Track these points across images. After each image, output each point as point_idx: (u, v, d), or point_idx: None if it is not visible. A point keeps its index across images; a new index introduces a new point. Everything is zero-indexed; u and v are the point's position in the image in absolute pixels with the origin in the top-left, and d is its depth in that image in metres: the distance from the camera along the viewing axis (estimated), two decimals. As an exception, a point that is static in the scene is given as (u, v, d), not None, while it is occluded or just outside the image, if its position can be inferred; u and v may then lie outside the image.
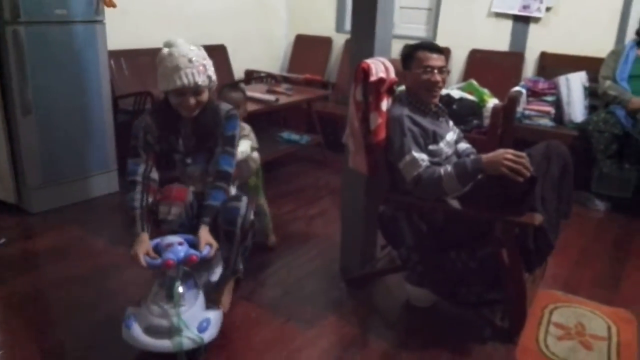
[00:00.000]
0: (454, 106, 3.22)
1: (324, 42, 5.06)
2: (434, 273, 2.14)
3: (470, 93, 3.61)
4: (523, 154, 1.93)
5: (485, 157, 1.93)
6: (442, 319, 2.24)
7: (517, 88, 3.68)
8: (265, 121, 4.40)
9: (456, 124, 2.43)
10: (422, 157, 2.05)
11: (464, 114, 3.25)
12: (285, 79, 4.59)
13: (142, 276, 2.45)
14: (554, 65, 3.99)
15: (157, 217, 2.01)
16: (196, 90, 1.97)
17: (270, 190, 3.60)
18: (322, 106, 4.47)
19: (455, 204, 2.07)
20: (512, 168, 1.85)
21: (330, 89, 4.69)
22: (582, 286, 2.51)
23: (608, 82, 3.45)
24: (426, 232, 2.15)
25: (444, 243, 2.12)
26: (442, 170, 1.99)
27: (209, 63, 2.02)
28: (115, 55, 3.67)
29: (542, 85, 3.81)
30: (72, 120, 3.14)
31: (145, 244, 1.88)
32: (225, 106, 2.12)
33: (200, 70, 1.94)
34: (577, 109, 3.64)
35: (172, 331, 1.77)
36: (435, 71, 2.12)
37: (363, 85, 2.10)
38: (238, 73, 4.76)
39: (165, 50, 1.96)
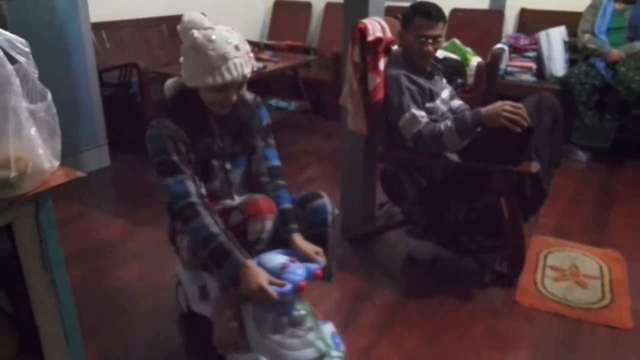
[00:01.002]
0: (439, 66, 3.28)
1: (304, 7, 5.03)
2: (436, 225, 2.23)
3: (453, 52, 3.67)
4: (520, 105, 2.00)
5: (484, 109, 2.00)
6: (444, 269, 2.34)
7: (498, 45, 3.76)
8: (251, 90, 4.38)
9: (445, 83, 2.50)
10: (421, 113, 2.11)
11: (448, 73, 3.31)
12: (268, 47, 4.57)
13: (144, 247, 2.50)
14: (533, 21, 4.07)
15: (246, 238, 1.59)
16: (242, 83, 1.60)
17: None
18: (306, 72, 4.48)
19: (454, 157, 2.15)
20: (510, 119, 1.92)
21: (313, 54, 4.69)
22: (571, 231, 2.64)
23: (587, 36, 3.54)
24: (426, 187, 2.23)
25: (445, 196, 2.20)
26: (442, 125, 2.05)
27: (249, 48, 1.63)
28: (96, 28, 3.60)
29: (523, 41, 3.88)
30: (59, 96, 3.01)
31: (262, 273, 1.51)
32: (248, 94, 1.78)
33: (247, 60, 1.58)
34: (558, 63, 3.73)
35: (322, 357, 1.55)
36: (430, 41, 2.15)
37: (360, 46, 2.13)
38: (218, 42, 4.71)
39: (200, 35, 1.52)
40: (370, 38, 2.11)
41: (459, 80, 3.56)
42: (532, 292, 2.14)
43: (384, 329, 1.94)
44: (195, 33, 1.53)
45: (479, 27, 4.21)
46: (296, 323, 1.56)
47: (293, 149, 3.85)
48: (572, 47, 3.76)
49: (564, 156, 3.53)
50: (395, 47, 2.31)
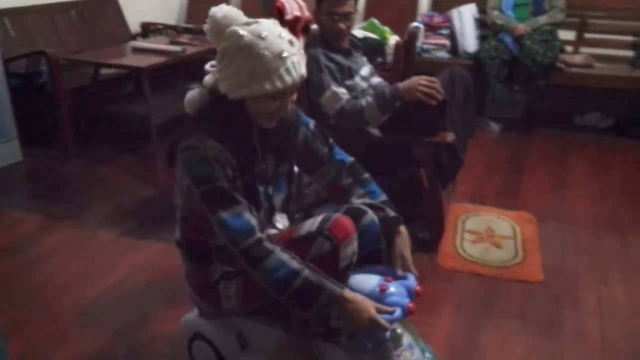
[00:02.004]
0: (358, 42, 3.33)
1: (221, -10, 4.93)
2: (361, 198, 2.29)
3: (372, 32, 3.75)
4: (435, 79, 2.10)
5: (402, 85, 2.08)
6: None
7: (414, 24, 3.86)
8: (171, 75, 4.28)
9: (364, 62, 2.56)
10: (341, 91, 2.16)
11: (368, 52, 3.37)
12: (186, 30, 4.45)
13: (65, 241, 2.42)
14: (446, -1, 4.22)
15: (337, 267, 1.32)
16: (299, 86, 1.34)
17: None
18: (227, 55, 4.42)
19: (376, 132, 2.22)
20: (426, 93, 2.02)
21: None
22: (487, 197, 2.81)
23: (495, 12, 3.72)
24: (351, 162, 2.29)
25: (368, 171, 2.27)
26: (363, 101, 2.11)
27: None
28: (-4, 15, 3.37)
29: (437, 19, 4.02)
30: (-41, 87, 2.88)
31: (367, 302, 1.27)
32: None
33: (302, 56, 1.38)
34: (469, 39, 3.91)
35: None
36: (341, 19, 2.18)
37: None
38: (134, 27, 4.53)
39: (246, 32, 1.24)
40: (288, 17, 2.13)
41: (379, 59, 3.64)
42: (452, 255, 2.27)
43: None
44: (240, 30, 1.24)
45: (395, 7, 4.31)
46: (397, 345, 1.41)
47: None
48: (482, 24, 3.94)
49: (478, 128, 3.73)
50: (314, 27, 2.33)
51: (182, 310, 1.92)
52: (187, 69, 4.43)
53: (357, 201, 1.52)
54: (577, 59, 3.57)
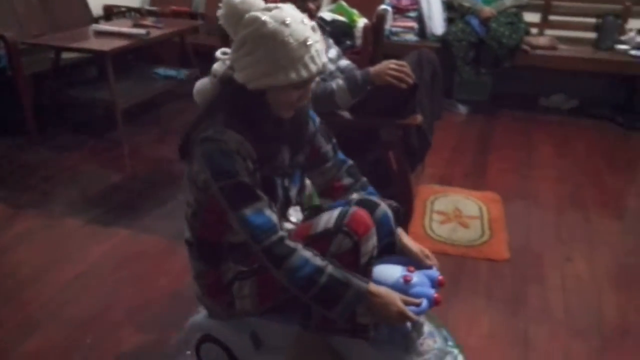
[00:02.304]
0: (327, 28, 3.32)
1: (186, -29, 4.82)
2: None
3: (340, 14, 3.73)
4: (404, 62, 2.11)
5: (372, 69, 2.08)
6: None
7: (383, 6, 3.86)
8: (135, 59, 4.19)
9: (333, 45, 2.55)
10: (310, 73, 2.15)
11: (337, 35, 3.37)
12: (150, 13, 4.35)
13: (29, 230, 2.36)
14: (414, -18, 4.21)
15: (359, 263, 1.29)
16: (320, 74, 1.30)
17: (153, 131, 3.52)
18: (194, 38, 4.33)
19: (345, 115, 2.22)
20: (396, 77, 2.03)
21: (200, 19, 4.54)
22: (454, 178, 2.85)
23: (462, -5, 3.74)
24: (320, 145, 2.28)
25: (337, 153, 2.28)
26: (333, 84, 2.11)
27: None
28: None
29: (405, 2, 4.02)
30: None
31: (394, 294, 1.26)
32: None
33: (322, 43, 1.34)
34: (437, 22, 3.92)
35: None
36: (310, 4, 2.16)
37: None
38: (96, 10, 4.40)
39: (269, 19, 1.17)
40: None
41: (348, 42, 3.63)
42: (421, 236, 2.31)
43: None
44: (262, 16, 1.17)
45: (363, -11, 4.29)
46: (419, 334, 1.39)
47: (188, 119, 3.73)
48: (449, 6, 3.96)
49: (446, 110, 3.79)
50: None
51: (149, 297, 1.91)
52: (152, 52, 4.34)
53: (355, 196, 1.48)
54: (542, 41, 3.63)
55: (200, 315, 1.53)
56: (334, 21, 3.59)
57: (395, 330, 1.38)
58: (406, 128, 2.18)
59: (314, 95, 2.11)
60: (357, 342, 1.35)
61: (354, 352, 1.38)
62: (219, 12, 1.25)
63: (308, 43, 1.19)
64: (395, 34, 3.99)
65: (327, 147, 1.49)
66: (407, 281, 1.33)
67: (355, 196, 1.48)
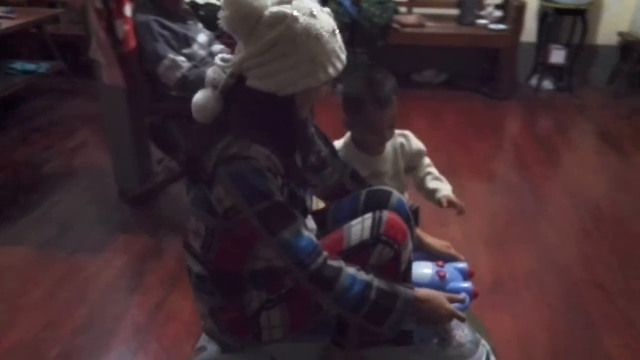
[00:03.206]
0: (201, 12, 3.20)
1: (39, -45, 4.40)
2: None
3: (214, -3, 3.62)
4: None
5: None
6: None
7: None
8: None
9: (207, 29, 2.46)
10: (180, 58, 2.06)
11: (211, 19, 3.23)
12: (2, 1, 3.93)
13: None
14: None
15: (399, 270, 1.24)
16: None
17: (13, 131, 3.21)
18: (55, 28, 3.99)
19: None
20: None
21: (60, 7, 4.18)
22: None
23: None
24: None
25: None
26: (210, 70, 2.03)
27: None
28: None
29: (278, -17, 3.99)
30: None
31: (439, 295, 1.23)
32: None
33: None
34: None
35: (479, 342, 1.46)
36: None
37: (101, -9, 1.96)
38: None
39: (298, 13, 1.03)
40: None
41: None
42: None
43: (174, 283, 1.93)
44: (288, 11, 1.03)
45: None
46: (449, 327, 1.40)
47: (55, 116, 3.46)
48: (322, -13, 3.99)
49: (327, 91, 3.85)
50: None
51: (18, 317, 1.75)
52: (6, 45, 3.93)
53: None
54: (410, 19, 3.78)
55: (209, 352, 1.38)
56: (207, 4, 3.47)
57: (425, 329, 1.37)
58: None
59: (188, 82, 2.03)
60: (395, 349, 1.32)
61: (392, 359, 1.36)
62: (221, 14, 1.05)
63: (336, 32, 1.10)
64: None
65: (326, 150, 1.38)
66: (441, 277, 1.31)
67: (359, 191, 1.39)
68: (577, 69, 3.89)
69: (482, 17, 3.82)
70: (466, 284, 1.33)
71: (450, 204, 1.54)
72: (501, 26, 3.70)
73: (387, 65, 4.22)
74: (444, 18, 3.98)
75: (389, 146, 1.60)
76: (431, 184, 1.62)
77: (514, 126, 3.61)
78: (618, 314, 1.78)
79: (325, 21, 1.07)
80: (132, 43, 2.06)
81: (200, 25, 2.35)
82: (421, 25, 3.78)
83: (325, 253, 1.12)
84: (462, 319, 1.25)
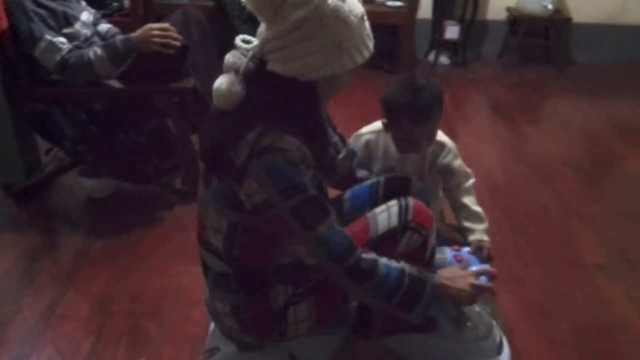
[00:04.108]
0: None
1: None
2: (106, 158, 2.11)
3: (100, -27, 3.38)
4: (167, 25, 1.99)
5: (134, 35, 1.94)
6: (128, 202, 2.28)
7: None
8: None
9: (97, 8, 2.31)
10: (60, 40, 1.90)
11: (99, -4, 3.07)
12: None
13: None
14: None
15: (424, 256, 1.26)
16: None
17: None
18: None
19: (115, 84, 2.04)
20: (161, 43, 1.91)
21: None
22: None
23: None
24: (87, 120, 2.07)
25: (110, 126, 2.09)
26: (91, 53, 1.90)
27: None
28: None
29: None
30: None
31: (463, 273, 1.26)
32: None
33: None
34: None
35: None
36: None
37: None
38: None
39: None
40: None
41: (115, 3, 3.34)
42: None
43: (69, 280, 1.81)
44: None
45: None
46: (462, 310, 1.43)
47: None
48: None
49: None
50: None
51: None
52: None
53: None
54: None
55: (226, 353, 1.35)
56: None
57: (440, 312, 1.39)
58: (181, 93, 2.08)
59: (68, 65, 1.89)
60: (415, 337, 1.33)
61: (415, 345, 1.37)
62: None
63: (365, 17, 1.04)
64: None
65: (336, 138, 1.34)
66: (459, 261, 1.34)
67: (376, 178, 1.40)
68: (471, 44, 4.07)
69: (380, -7, 3.87)
70: (485, 266, 1.36)
71: (479, 247, 1.50)
72: (398, 3, 3.77)
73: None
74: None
75: None
76: (464, 222, 1.55)
77: (415, 101, 3.72)
78: (510, 276, 1.90)
79: (354, 5, 1.03)
80: (3, 24, 1.87)
81: (83, 3, 2.18)
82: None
83: (359, 246, 1.10)
84: (492, 292, 1.28)
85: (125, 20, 3.00)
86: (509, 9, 4.04)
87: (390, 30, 3.96)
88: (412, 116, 1.38)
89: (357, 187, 1.39)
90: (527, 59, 4.03)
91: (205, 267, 1.26)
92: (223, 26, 3.55)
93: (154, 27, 1.92)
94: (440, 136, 1.54)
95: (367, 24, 1.06)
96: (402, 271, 1.13)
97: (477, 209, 1.55)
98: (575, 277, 1.92)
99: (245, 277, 1.19)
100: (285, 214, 1.03)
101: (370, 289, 1.11)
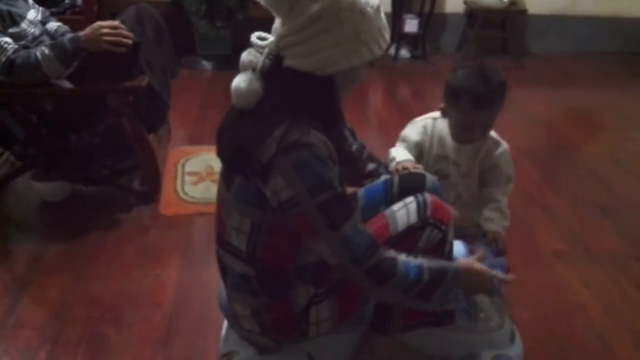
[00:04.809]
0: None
1: None
2: (59, 161, 2.05)
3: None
4: (117, 22, 1.93)
5: (83, 34, 1.87)
6: (84, 205, 2.21)
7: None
8: None
9: (49, 6, 2.24)
10: (4, 39, 1.83)
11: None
12: None
13: None
14: None
15: (444, 250, 1.26)
16: None
17: None
18: None
19: (66, 83, 1.97)
20: (111, 41, 1.86)
21: None
22: (205, 136, 2.80)
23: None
24: (38, 122, 2.00)
25: (61, 128, 2.03)
26: (38, 53, 1.84)
27: None
28: None
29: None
30: None
31: (479, 265, 1.22)
32: None
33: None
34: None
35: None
36: None
37: None
38: None
39: None
40: None
41: (67, 1, 3.23)
42: (174, 201, 2.23)
43: (23, 287, 1.75)
44: None
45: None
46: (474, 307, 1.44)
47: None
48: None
49: (192, 68, 3.70)
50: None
51: None
52: None
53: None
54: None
55: (245, 356, 1.32)
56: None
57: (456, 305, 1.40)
58: (135, 91, 2.03)
59: (14, 66, 1.82)
60: (431, 331, 1.33)
61: (432, 339, 1.37)
62: None
63: (381, 8, 1.04)
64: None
65: (346, 132, 1.34)
66: (473, 253, 1.32)
67: (387, 176, 1.39)
68: (430, 37, 4.11)
69: (339, -12, 3.87)
70: (499, 259, 1.37)
71: (494, 239, 1.52)
72: (358, -3, 3.78)
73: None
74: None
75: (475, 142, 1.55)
76: (489, 213, 1.56)
77: (376, 96, 3.73)
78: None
79: (371, 1, 1.02)
80: (-57, 23, 1.79)
81: (30, 1, 2.10)
82: (281, -3, 3.74)
83: (381, 245, 1.09)
84: (509, 280, 1.26)
85: (78, 18, 2.91)
86: (466, 2, 4.10)
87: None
88: (474, 100, 1.41)
89: (370, 185, 1.39)
90: (485, 51, 4.09)
91: (224, 270, 1.25)
92: (180, 22, 3.50)
93: (103, 25, 1.87)
94: (498, 136, 1.58)
95: (382, 15, 1.06)
96: (420, 267, 1.12)
97: (506, 209, 1.58)
98: (533, 265, 1.96)
99: (267, 278, 1.17)
100: (312, 211, 1.01)
101: (390, 289, 1.10)
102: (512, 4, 3.98)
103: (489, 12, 3.95)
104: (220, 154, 1.16)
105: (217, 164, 2.45)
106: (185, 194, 2.28)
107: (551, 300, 1.80)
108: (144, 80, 2.00)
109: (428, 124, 1.61)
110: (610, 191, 2.53)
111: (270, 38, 1.06)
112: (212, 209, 2.12)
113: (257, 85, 1.03)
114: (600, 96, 3.72)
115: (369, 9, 1.01)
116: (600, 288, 1.89)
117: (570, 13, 4.26)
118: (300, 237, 1.11)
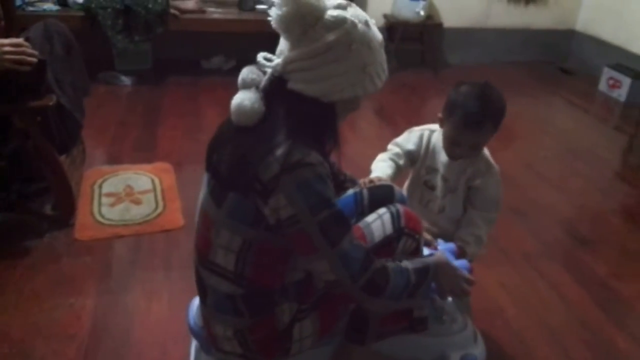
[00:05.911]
0: None
1: None
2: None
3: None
4: (20, 40, 1.84)
5: None
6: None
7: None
8: None
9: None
10: None
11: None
12: None
13: None
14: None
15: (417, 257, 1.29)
16: None
17: None
18: None
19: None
20: (14, 60, 1.76)
21: None
22: (124, 155, 2.71)
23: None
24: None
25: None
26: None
27: None
28: None
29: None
30: None
31: (452, 264, 1.29)
32: None
33: None
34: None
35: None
36: None
37: None
38: None
39: (355, 20, 1.04)
40: None
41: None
42: (90, 225, 2.13)
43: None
44: (348, 17, 1.03)
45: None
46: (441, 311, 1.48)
47: None
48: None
49: (110, 84, 3.57)
50: None
51: None
52: None
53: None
54: (189, 4, 3.65)
55: None
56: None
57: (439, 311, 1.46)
58: (42, 111, 1.93)
59: None
60: (403, 337, 1.36)
61: (404, 345, 1.40)
62: (275, 11, 1.02)
63: (383, 44, 1.11)
64: (31, 3, 3.50)
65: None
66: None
67: (357, 189, 1.43)
68: (353, 50, 4.19)
69: (261, 2, 3.87)
70: (463, 261, 1.39)
71: (461, 254, 1.48)
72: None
73: (175, 53, 4.11)
74: (225, 4, 3.94)
75: (463, 160, 1.54)
76: (466, 237, 1.54)
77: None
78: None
79: (376, 32, 1.09)
80: None
81: None
82: (202, 11, 3.70)
83: (375, 258, 1.12)
84: (472, 282, 1.29)
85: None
86: (385, 16, 4.22)
87: (274, 39, 3.96)
88: (464, 117, 1.43)
89: (341, 198, 1.40)
90: (406, 64, 4.22)
91: (204, 290, 1.22)
92: (96, 37, 3.37)
93: (4, 43, 1.76)
94: (492, 160, 1.58)
95: (383, 50, 1.12)
96: (407, 271, 1.16)
97: (485, 237, 1.58)
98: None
99: (254, 297, 1.17)
100: (313, 229, 1.04)
101: (384, 299, 1.14)
102: (428, 17, 4.14)
103: (407, 25, 4.09)
104: (213, 169, 1.16)
105: (136, 183, 2.41)
106: (102, 216, 2.19)
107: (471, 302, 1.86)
108: (51, 100, 1.90)
109: (425, 134, 1.64)
110: (523, 195, 2.67)
111: (276, 60, 1.08)
112: (132, 230, 2.10)
113: (259, 105, 1.07)
114: (514, 104, 3.88)
115: (375, 43, 1.08)
116: (516, 288, 1.98)
117: (484, 26, 4.49)
118: (288, 256, 1.13)
